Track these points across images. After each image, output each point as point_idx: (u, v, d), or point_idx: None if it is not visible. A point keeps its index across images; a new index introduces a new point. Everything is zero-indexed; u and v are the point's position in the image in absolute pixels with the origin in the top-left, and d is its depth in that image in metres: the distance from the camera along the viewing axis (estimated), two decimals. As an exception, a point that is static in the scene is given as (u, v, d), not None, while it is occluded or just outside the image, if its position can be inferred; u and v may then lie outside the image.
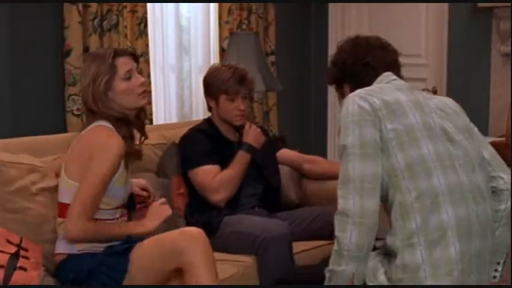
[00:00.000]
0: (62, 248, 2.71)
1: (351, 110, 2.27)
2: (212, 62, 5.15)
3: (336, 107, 6.11)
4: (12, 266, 2.57)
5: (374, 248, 2.40)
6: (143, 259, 2.61)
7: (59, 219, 2.73)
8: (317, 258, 3.13)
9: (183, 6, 5.05)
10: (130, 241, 2.66)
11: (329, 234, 3.44)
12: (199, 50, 5.18)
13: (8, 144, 3.04)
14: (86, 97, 2.68)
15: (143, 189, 3.03)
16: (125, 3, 4.44)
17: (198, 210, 3.41)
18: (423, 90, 4.06)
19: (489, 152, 2.44)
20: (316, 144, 6.13)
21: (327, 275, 2.30)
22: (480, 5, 5.00)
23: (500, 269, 2.43)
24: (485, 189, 2.33)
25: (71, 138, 2.88)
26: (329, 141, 6.20)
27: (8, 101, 4.09)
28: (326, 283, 2.30)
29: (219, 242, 3.28)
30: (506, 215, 2.40)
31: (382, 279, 2.25)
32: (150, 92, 4.55)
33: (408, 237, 2.20)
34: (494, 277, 2.42)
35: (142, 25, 4.55)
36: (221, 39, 5.15)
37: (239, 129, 3.60)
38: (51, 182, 2.88)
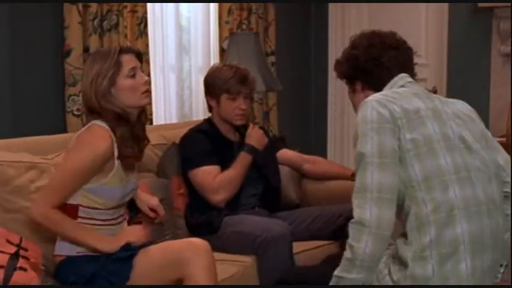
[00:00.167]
0: (61, 250, 2.70)
1: (370, 117, 2.23)
2: (212, 62, 5.15)
3: (336, 107, 6.12)
4: (12, 266, 2.56)
5: None
6: (147, 267, 2.61)
7: None
8: (317, 259, 3.13)
9: (183, 6, 5.05)
10: (133, 248, 2.65)
11: (328, 234, 3.46)
12: (199, 50, 5.18)
13: (7, 144, 3.03)
14: (88, 94, 2.66)
15: (152, 209, 2.99)
16: (125, 3, 4.44)
17: (198, 210, 3.40)
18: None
19: (503, 158, 2.42)
20: (316, 144, 6.13)
21: (334, 279, 2.28)
22: (480, 5, 5.00)
23: (502, 270, 2.42)
24: (499, 200, 2.31)
25: (71, 139, 2.87)
26: (329, 141, 6.20)
27: (8, 101, 4.08)
28: (331, 283, 2.29)
29: (219, 242, 3.28)
30: None
31: (387, 280, 2.24)
32: (150, 92, 4.54)
33: (422, 250, 2.18)
34: (496, 278, 2.42)
35: (142, 25, 4.55)
36: (221, 39, 5.15)
37: (239, 129, 3.60)
38: (50, 179, 2.88)
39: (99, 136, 2.62)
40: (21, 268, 2.57)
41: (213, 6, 5.18)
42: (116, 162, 2.65)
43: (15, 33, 4.08)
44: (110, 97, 2.64)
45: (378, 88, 2.42)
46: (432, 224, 2.17)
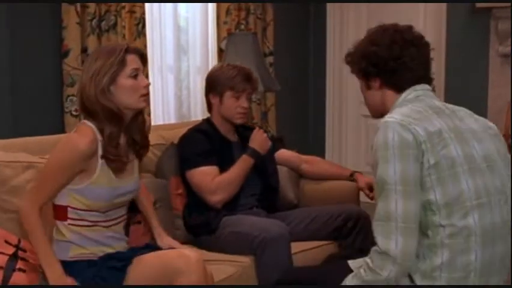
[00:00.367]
0: (56, 253, 2.69)
1: (392, 141, 2.16)
2: (210, 63, 5.17)
3: (334, 107, 6.13)
4: (11, 267, 2.56)
5: None
6: (139, 276, 2.60)
7: (57, 222, 2.71)
8: (316, 259, 3.13)
9: (181, 6, 5.06)
10: (127, 257, 2.65)
11: (327, 235, 3.46)
12: (197, 51, 5.18)
13: (5, 144, 3.03)
14: (86, 89, 2.61)
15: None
16: (123, 4, 4.44)
17: (197, 210, 3.40)
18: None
19: None
20: (315, 144, 6.13)
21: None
22: (478, 5, 5.00)
23: None
24: None
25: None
26: (327, 141, 6.21)
27: (7, 102, 4.08)
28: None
29: (218, 242, 3.28)
30: None
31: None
32: (149, 96, 4.55)
33: (432, 270, 2.17)
34: None
35: (140, 25, 4.55)
36: (219, 39, 5.15)
37: (238, 129, 3.60)
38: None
39: (81, 133, 2.59)
40: (20, 269, 2.57)
41: (211, 7, 5.18)
42: (100, 161, 2.61)
43: (13, 34, 4.08)
44: (109, 94, 2.61)
45: (398, 88, 2.37)
46: (446, 248, 2.16)
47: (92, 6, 4.29)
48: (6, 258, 2.58)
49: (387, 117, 2.23)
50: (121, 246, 2.75)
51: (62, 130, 4.18)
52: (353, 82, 6.17)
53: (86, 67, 2.65)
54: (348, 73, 6.55)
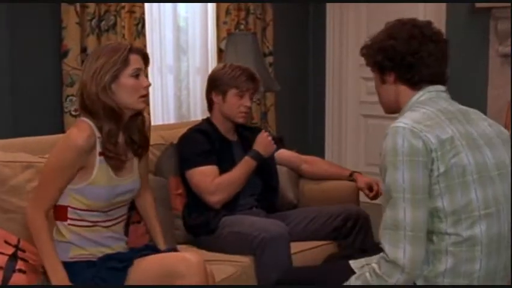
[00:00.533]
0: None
1: (401, 148, 2.14)
2: (210, 63, 5.17)
3: (334, 107, 6.13)
4: (11, 268, 2.56)
5: (380, 250, 2.40)
6: (140, 278, 2.60)
7: (57, 222, 2.71)
8: (315, 259, 3.13)
9: (181, 6, 5.06)
10: (128, 258, 2.65)
11: (326, 235, 3.46)
12: (196, 51, 5.18)
13: (4, 144, 3.03)
14: (87, 86, 2.61)
15: None
16: (123, 4, 4.44)
17: (196, 210, 3.40)
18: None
19: None
20: (314, 144, 6.13)
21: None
22: (478, 5, 5.00)
23: None
24: None
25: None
26: (327, 141, 6.21)
27: (7, 102, 4.08)
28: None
29: (217, 242, 3.28)
30: None
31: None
32: (148, 94, 4.55)
33: (435, 276, 2.17)
34: None
35: (140, 26, 4.55)
36: (219, 39, 5.15)
37: (238, 129, 3.60)
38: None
39: (78, 129, 2.59)
40: (20, 270, 2.57)
41: (211, 7, 5.18)
42: (98, 158, 2.62)
43: (13, 34, 4.08)
44: (110, 92, 2.61)
45: (413, 84, 2.33)
46: (450, 255, 2.15)
47: (91, 6, 4.29)
48: (5, 258, 2.58)
49: (398, 122, 2.20)
50: (120, 246, 2.75)
51: (61, 130, 4.17)
52: (353, 82, 6.22)
53: (88, 65, 2.65)
54: (347, 73, 6.58)
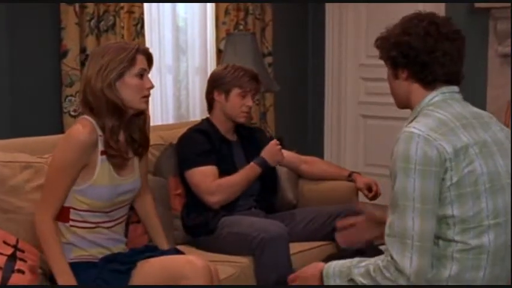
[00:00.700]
0: None
1: (414, 156, 2.08)
2: (209, 63, 5.17)
3: (333, 107, 6.13)
4: (9, 268, 2.55)
5: (380, 252, 2.38)
6: (144, 281, 2.60)
7: (59, 223, 2.70)
8: (314, 259, 3.13)
9: (180, 7, 5.06)
10: (131, 261, 2.64)
11: (325, 235, 3.46)
12: (196, 51, 5.18)
13: (4, 144, 3.03)
14: (92, 82, 2.60)
15: None
16: (122, 4, 4.44)
17: (195, 211, 3.40)
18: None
19: None
20: (314, 145, 6.13)
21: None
22: (477, 5, 5.00)
23: None
24: None
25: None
26: (326, 142, 6.21)
27: (6, 102, 4.08)
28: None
29: (216, 242, 3.28)
30: None
31: None
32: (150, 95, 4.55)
33: (438, 281, 2.14)
34: None
35: (139, 26, 4.55)
36: (218, 40, 5.15)
37: (238, 129, 3.60)
38: (45, 179, 2.88)
39: (79, 125, 2.59)
40: (19, 271, 2.56)
41: (210, 7, 5.18)
42: (100, 157, 2.62)
43: (12, 34, 4.08)
44: (114, 89, 2.62)
45: (426, 85, 2.25)
46: (455, 262, 2.13)
47: (90, 7, 4.29)
48: (4, 258, 2.57)
49: (412, 128, 2.14)
50: (120, 248, 2.75)
51: (60, 130, 4.17)
52: (352, 83, 6.21)
53: (93, 62, 2.65)
54: (347, 74, 6.57)
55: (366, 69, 5.94)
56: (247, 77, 3.48)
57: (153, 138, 3.42)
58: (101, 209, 2.65)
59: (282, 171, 3.80)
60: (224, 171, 3.41)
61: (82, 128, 2.57)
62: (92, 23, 4.31)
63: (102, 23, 4.37)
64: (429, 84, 2.25)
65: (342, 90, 6.11)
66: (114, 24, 4.39)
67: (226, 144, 3.52)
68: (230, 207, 3.40)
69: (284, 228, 3.19)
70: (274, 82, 4.82)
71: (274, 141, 3.47)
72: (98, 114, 2.62)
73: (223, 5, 5.15)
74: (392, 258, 2.10)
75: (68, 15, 4.21)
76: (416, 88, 2.28)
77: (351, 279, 2.19)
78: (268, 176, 3.59)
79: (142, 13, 4.58)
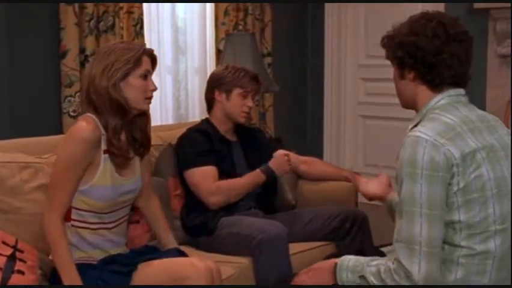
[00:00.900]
0: None
1: (421, 161, 2.06)
2: (208, 64, 5.16)
3: (332, 108, 6.12)
4: (9, 269, 2.55)
5: (381, 253, 2.38)
6: (145, 283, 2.60)
7: None
8: (314, 260, 3.13)
9: (179, 7, 5.05)
10: (132, 263, 2.64)
11: (325, 235, 3.46)
12: (195, 52, 5.18)
13: (3, 145, 3.03)
14: (96, 81, 2.60)
15: None
16: (121, 5, 4.44)
17: (194, 211, 3.40)
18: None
19: None
20: (313, 145, 6.13)
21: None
22: (476, 5, 5.00)
23: None
24: None
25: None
26: (325, 142, 6.21)
27: (6, 102, 4.08)
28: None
29: (216, 243, 3.28)
30: None
31: None
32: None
33: (443, 284, 2.13)
34: None
35: (138, 26, 4.55)
36: (217, 40, 5.15)
37: (237, 129, 3.60)
38: (45, 179, 2.87)
39: (82, 122, 2.59)
40: (19, 271, 2.56)
41: (209, 8, 5.18)
42: (103, 156, 2.62)
43: (12, 35, 4.08)
44: (119, 89, 2.62)
45: (433, 85, 2.23)
46: (461, 266, 2.12)
47: (90, 7, 4.29)
48: (4, 259, 2.57)
49: (418, 132, 2.11)
50: (120, 249, 2.75)
51: (60, 131, 4.17)
52: (351, 83, 6.21)
53: (98, 60, 2.65)
54: (346, 74, 6.56)
55: (366, 70, 5.94)
56: (248, 78, 3.50)
57: (152, 139, 3.41)
58: (102, 210, 2.65)
59: (281, 172, 3.80)
60: (224, 171, 3.41)
61: (85, 125, 2.57)
62: (92, 23, 4.31)
63: (101, 23, 4.36)
64: (436, 86, 2.23)
65: (342, 90, 6.11)
66: (113, 25, 4.39)
67: (225, 144, 3.53)
68: (229, 207, 3.41)
69: (283, 229, 3.19)
70: (274, 82, 4.82)
71: (282, 152, 3.47)
72: (101, 112, 2.62)
73: (223, 6, 5.15)
74: (401, 264, 2.09)
75: (68, 15, 4.21)
76: (422, 90, 2.25)
77: (363, 276, 2.19)
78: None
79: (142, 13, 4.58)
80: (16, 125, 4.10)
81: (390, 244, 2.30)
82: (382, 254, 2.48)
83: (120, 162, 2.66)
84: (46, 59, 4.28)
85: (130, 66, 2.62)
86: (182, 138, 3.52)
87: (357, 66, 6.01)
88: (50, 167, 2.88)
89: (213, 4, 5.16)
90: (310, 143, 6.17)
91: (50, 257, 2.69)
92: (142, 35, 4.57)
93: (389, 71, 2.48)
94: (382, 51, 2.34)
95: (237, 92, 3.48)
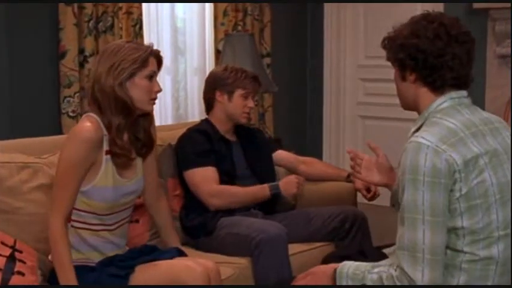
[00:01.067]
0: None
1: (423, 167, 2.04)
2: (207, 64, 5.16)
3: (332, 108, 6.12)
4: (10, 270, 2.55)
5: (383, 256, 2.37)
6: (143, 284, 2.61)
7: None
8: (314, 260, 3.13)
9: (178, 7, 5.05)
10: (129, 266, 2.64)
11: (324, 236, 3.46)
12: (194, 52, 5.18)
13: (3, 145, 3.03)
14: (101, 82, 2.59)
15: None
16: (120, 5, 4.44)
17: (194, 212, 3.40)
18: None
19: None
20: (312, 145, 6.13)
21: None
22: (475, 5, 5.00)
23: None
24: None
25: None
26: (325, 142, 6.21)
27: (5, 103, 4.08)
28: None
29: (215, 243, 3.27)
30: None
31: None
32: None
33: None
34: None
35: (138, 27, 4.55)
36: (216, 41, 5.15)
37: (237, 130, 3.60)
38: (44, 179, 2.87)
39: (84, 122, 2.58)
40: (19, 273, 2.56)
41: (208, 8, 5.18)
42: (105, 157, 2.61)
43: (11, 35, 4.08)
44: (124, 88, 2.62)
45: (435, 88, 2.20)
46: (464, 272, 2.11)
47: (89, 7, 4.29)
48: (4, 260, 2.57)
49: (420, 138, 2.08)
50: (120, 251, 2.75)
51: (59, 131, 4.17)
52: (351, 83, 6.20)
53: (103, 59, 2.63)
54: (345, 74, 6.54)
55: (365, 70, 5.94)
56: (249, 78, 3.50)
57: (153, 139, 3.42)
58: (103, 212, 2.65)
59: (280, 172, 3.80)
60: (223, 171, 3.41)
61: (88, 125, 2.57)
62: (91, 23, 4.31)
63: (100, 23, 4.36)
64: (438, 89, 2.21)
65: (341, 91, 6.11)
66: (112, 25, 4.39)
67: (225, 144, 3.53)
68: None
69: (283, 229, 3.19)
70: (273, 83, 4.82)
71: (294, 176, 3.43)
72: (105, 111, 2.61)
73: (222, 6, 5.15)
74: (404, 271, 2.07)
75: (67, 16, 4.21)
76: (424, 92, 2.22)
77: (364, 285, 2.17)
78: (267, 176, 3.59)
79: (141, 14, 4.58)
80: (15, 125, 4.10)
81: (391, 245, 2.30)
82: (383, 255, 2.47)
83: (122, 162, 2.65)
84: (45, 60, 4.28)
85: (137, 66, 2.61)
86: (183, 138, 3.51)
87: (356, 66, 6.01)
88: (49, 167, 2.89)
89: (212, 4, 5.16)
90: (310, 143, 6.17)
91: (50, 258, 2.69)
92: (141, 36, 4.57)
93: (388, 71, 2.47)
94: (381, 52, 2.32)
95: (238, 93, 3.49)
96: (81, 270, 2.58)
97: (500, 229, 2.10)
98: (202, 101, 3.67)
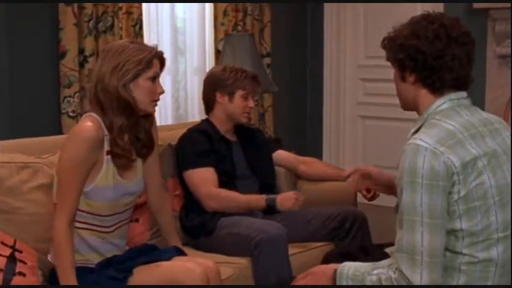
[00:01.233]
0: (52, 257, 2.68)
1: (421, 170, 2.03)
2: (207, 64, 5.16)
3: (332, 108, 6.12)
4: (11, 270, 2.55)
5: (385, 254, 2.37)
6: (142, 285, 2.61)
7: None
8: (313, 260, 3.13)
9: (178, 7, 5.06)
10: (127, 268, 2.64)
11: (324, 236, 3.46)
12: (194, 52, 5.18)
13: (2, 145, 3.03)
14: (104, 82, 2.59)
15: None
16: (120, 5, 4.44)
17: (193, 212, 3.40)
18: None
19: None
20: (312, 145, 6.13)
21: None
22: (475, 5, 5.00)
23: None
24: None
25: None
26: (325, 143, 6.21)
27: (5, 103, 4.08)
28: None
29: (215, 243, 3.28)
30: None
31: None
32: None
33: None
34: None
35: (138, 27, 4.55)
36: (216, 41, 5.15)
37: (237, 130, 3.61)
38: (44, 179, 2.87)
39: (85, 122, 2.58)
40: (20, 273, 2.56)
41: (208, 8, 5.18)
42: (106, 157, 2.61)
43: (11, 35, 4.08)
44: (128, 88, 2.61)
45: (434, 89, 2.19)
46: (463, 274, 2.10)
47: (89, 7, 4.29)
48: (4, 260, 2.57)
49: (419, 140, 2.07)
50: (119, 252, 2.75)
51: (59, 131, 4.17)
52: (351, 83, 6.20)
53: (107, 59, 2.62)
54: (345, 74, 6.54)
55: (365, 70, 5.94)
56: (249, 79, 3.51)
57: (152, 139, 3.42)
58: (104, 213, 2.65)
59: (280, 172, 3.80)
60: (223, 171, 3.41)
61: (89, 124, 2.56)
62: (91, 23, 4.31)
63: (100, 23, 4.36)
64: (437, 90, 2.20)
65: (341, 91, 6.11)
66: (112, 25, 4.39)
67: (226, 144, 3.53)
68: (228, 208, 3.41)
69: (283, 229, 3.19)
70: (273, 83, 4.82)
71: (294, 193, 3.40)
72: (107, 111, 2.61)
73: (222, 6, 5.15)
74: (402, 273, 2.07)
75: (67, 16, 4.21)
76: (423, 93, 2.21)
77: (364, 286, 2.17)
78: (267, 176, 3.59)
79: (141, 14, 4.58)
80: (15, 125, 4.10)
81: (391, 244, 2.30)
82: (384, 253, 2.47)
83: (122, 163, 2.65)
84: (45, 60, 4.28)
85: (141, 67, 2.61)
86: (183, 138, 3.52)
87: (356, 66, 6.01)
88: (49, 167, 2.89)
89: (212, 4, 5.16)
90: (310, 143, 6.18)
91: (49, 257, 2.69)
92: (141, 36, 4.57)
93: (388, 71, 2.47)
94: (381, 52, 2.31)
95: (239, 93, 3.49)
96: (80, 272, 2.58)
97: (500, 231, 2.10)
98: (202, 101, 3.67)
